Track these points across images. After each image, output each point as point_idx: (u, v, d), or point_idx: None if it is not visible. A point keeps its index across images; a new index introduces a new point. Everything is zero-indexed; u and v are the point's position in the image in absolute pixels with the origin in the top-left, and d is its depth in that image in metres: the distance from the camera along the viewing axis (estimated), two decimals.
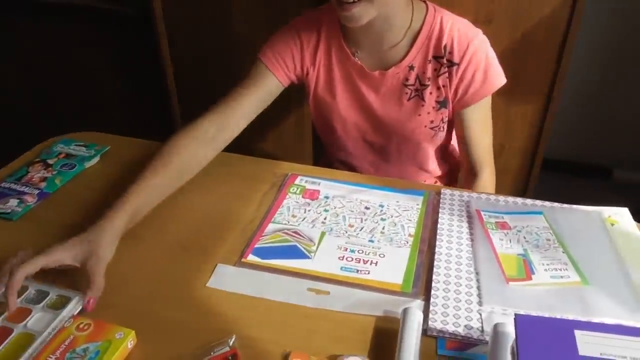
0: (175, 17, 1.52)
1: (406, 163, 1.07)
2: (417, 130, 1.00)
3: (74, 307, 0.67)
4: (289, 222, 0.84)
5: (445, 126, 1.02)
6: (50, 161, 0.97)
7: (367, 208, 0.87)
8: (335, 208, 0.87)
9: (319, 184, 0.93)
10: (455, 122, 1.02)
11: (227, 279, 0.73)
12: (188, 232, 0.82)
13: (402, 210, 0.86)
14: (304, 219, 0.84)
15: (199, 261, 0.76)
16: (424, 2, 0.96)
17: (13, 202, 0.86)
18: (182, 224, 0.84)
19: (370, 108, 1.00)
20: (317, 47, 0.99)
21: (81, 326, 0.64)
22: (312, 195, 0.90)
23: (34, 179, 0.92)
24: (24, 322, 0.64)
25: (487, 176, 1.03)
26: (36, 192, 0.89)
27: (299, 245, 0.79)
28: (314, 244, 0.79)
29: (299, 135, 1.59)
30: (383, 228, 0.82)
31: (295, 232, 0.82)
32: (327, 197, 0.89)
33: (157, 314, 0.68)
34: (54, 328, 0.64)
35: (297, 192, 0.91)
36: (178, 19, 1.52)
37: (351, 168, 1.12)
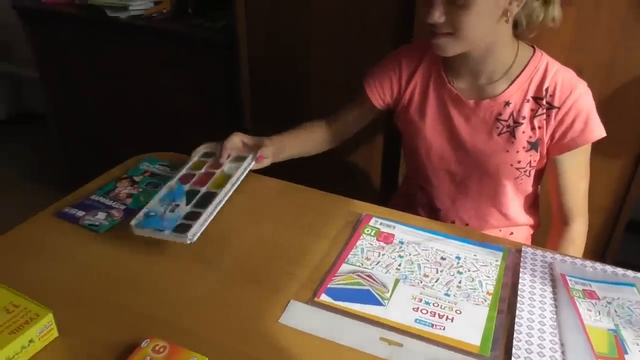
0: (257, 44, 1.57)
1: (484, 201, 1.05)
2: (501, 167, 0.98)
3: (251, 159, 0.98)
4: (362, 264, 0.83)
5: (532, 172, 1.00)
6: (136, 178, 1.01)
7: (443, 258, 0.84)
8: (410, 255, 0.85)
9: (394, 227, 0.91)
10: (549, 168, 1.01)
11: (299, 317, 0.73)
12: (262, 264, 0.83)
13: (480, 265, 0.83)
14: (378, 262, 0.83)
15: (271, 295, 0.76)
16: (532, 46, 0.96)
17: (101, 215, 0.90)
18: (256, 255, 0.85)
19: (457, 136, 1.00)
20: (415, 70, 1.03)
21: (157, 348, 0.65)
22: (387, 238, 0.89)
23: (120, 195, 0.96)
24: (220, 169, 0.97)
25: (579, 226, 1.01)
26: (122, 207, 0.92)
27: (372, 291, 0.77)
28: (388, 291, 0.77)
29: (368, 165, 1.59)
30: (459, 282, 0.80)
31: (369, 276, 0.80)
32: (402, 243, 0.88)
33: (229, 345, 0.68)
34: (242, 171, 0.96)
35: (372, 233, 0.90)
36: (260, 46, 1.57)
37: (429, 197, 1.11)
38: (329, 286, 0.78)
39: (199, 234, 0.82)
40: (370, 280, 0.79)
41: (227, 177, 0.94)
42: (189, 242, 0.80)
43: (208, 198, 0.89)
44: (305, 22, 1.46)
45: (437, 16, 0.85)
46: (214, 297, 0.77)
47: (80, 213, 0.90)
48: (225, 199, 0.90)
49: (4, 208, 2.25)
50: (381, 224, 0.92)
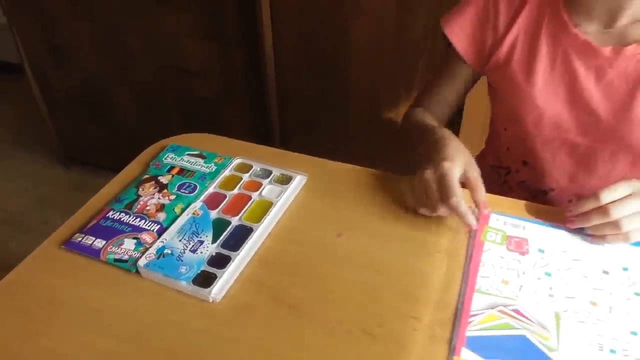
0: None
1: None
2: None
3: (300, 181, 0.76)
4: (500, 291, 0.60)
5: None
6: (163, 179, 0.76)
7: (605, 272, 0.62)
8: (559, 270, 0.62)
9: (524, 227, 0.68)
10: None
11: None
12: (364, 304, 0.60)
13: None
14: (521, 287, 0.61)
15: (391, 354, 0.54)
16: None
17: (129, 244, 0.65)
18: (354, 290, 0.61)
19: (583, 98, 0.74)
20: (519, 12, 0.76)
21: None
22: (519, 246, 0.66)
23: (148, 207, 0.71)
24: (259, 191, 0.74)
25: None
26: (155, 227, 0.68)
27: (529, 337, 0.56)
28: (550, 334, 0.56)
29: None
30: None
31: (516, 311, 0.58)
32: (541, 251, 0.65)
33: None
34: (287, 197, 0.73)
35: (498, 240, 0.66)
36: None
37: (536, 174, 0.85)
38: (467, 335, 0.56)
39: (225, 290, 0.61)
40: (522, 318, 0.57)
41: (267, 206, 0.72)
42: (212, 300, 0.60)
43: (241, 235, 0.67)
44: None
45: None
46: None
47: (100, 242, 0.66)
48: (264, 236, 0.68)
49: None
50: (505, 223, 0.69)
